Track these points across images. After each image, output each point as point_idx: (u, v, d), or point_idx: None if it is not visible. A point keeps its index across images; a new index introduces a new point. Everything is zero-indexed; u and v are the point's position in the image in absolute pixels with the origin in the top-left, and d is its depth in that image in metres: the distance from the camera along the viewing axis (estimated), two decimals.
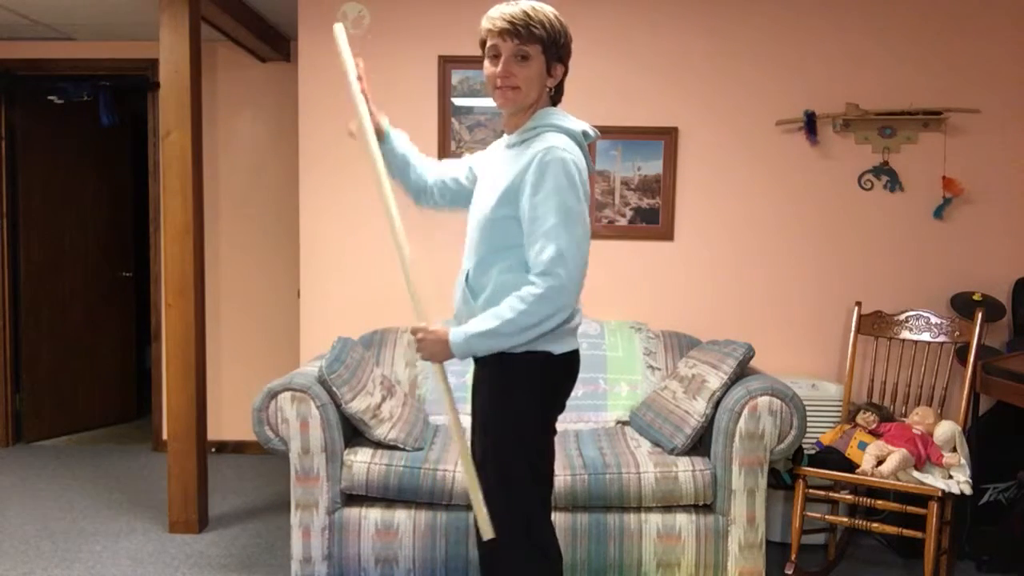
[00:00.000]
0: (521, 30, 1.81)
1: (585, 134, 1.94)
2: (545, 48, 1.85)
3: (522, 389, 1.89)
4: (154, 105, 4.58)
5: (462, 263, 2.00)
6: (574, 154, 1.84)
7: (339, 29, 1.99)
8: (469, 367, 2.13)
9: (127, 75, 4.61)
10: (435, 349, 1.86)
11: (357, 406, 2.70)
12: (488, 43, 1.88)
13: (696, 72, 3.53)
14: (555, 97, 1.97)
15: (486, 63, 1.89)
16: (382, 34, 3.57)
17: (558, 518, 2.64)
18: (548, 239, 1.77)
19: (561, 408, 1.99)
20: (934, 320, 3.18)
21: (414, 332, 1.88)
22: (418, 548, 2.66)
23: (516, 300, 1.79)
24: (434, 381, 1.85)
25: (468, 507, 2.56)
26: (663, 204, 3.55)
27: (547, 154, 1.79)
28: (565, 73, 1.95)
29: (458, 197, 2.17)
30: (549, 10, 1.87)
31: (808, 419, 2.76)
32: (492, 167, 1.98)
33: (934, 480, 2.72)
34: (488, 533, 1.84)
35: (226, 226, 4.58)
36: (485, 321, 1.81)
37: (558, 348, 1.88)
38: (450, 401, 1.91)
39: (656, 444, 2.86)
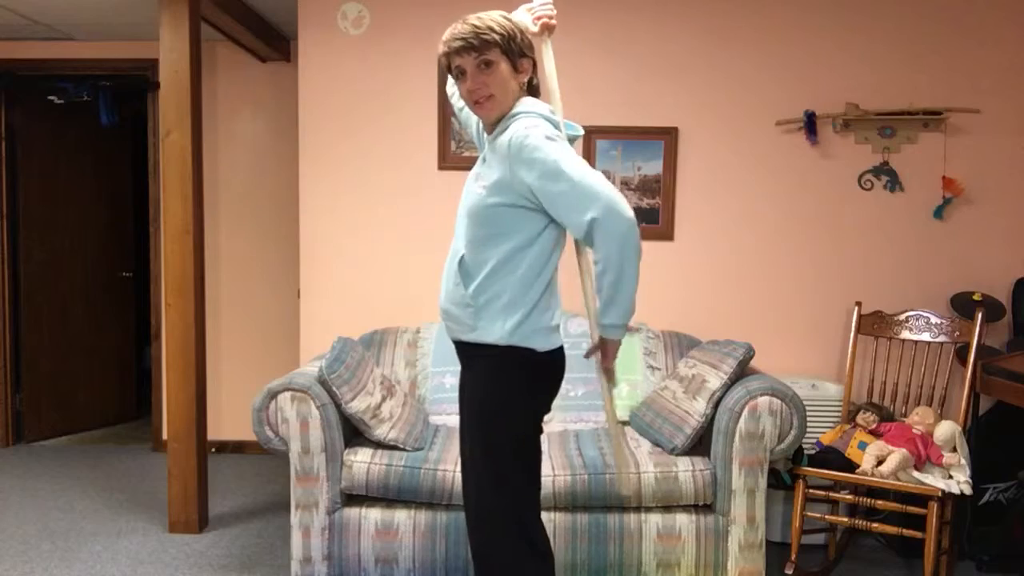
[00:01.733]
0: (474, 42, 1.87)
1: (558, 125, 1.95)
2: (504, 49, 1.90)
3: (508, 387, 1.93)
4: (154, 105, 4.58)
5: (452, 248, 2.03)
6: (542, 126, 1.86)
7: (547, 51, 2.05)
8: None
9: (127, 75, 4.61)
10: (616, 350, 1.95)
11: (357, 406, 2.70)
12: (452, 66, 1.93)
13: (696, 72, 3.53)
14: (532, 92, 2.00)
15: (458, 84, 1.95)
16: (382, 34, 3.57)
17: (558, 518, 2.64)
18: (576, 199, 1.81)
19: (547, 407, 2.00)
20: (934, 320, 3.18)
21: (608, 370, 1.97)
22: (418, 548, 2.66)
23: (604, 269, 1.86)
24: (602, 387, 1.97)
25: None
26: (663, 204, 3.55)
27: (519, 138, 1.83)
28: (534, 67, 1.99)
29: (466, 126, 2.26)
30: (495, 14, 1.93)
31: (808, 419, 2.76)
32: (481, 160, 2.02)
33: (934, 480, 2.72)
34: (626, 489, 1.98)
35: (226, 226, 4.58)
36: (608, 301, 1.88)
37: (540, 345, 1.91)
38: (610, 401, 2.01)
39: (656, 444, 2.86)
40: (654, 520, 2.67)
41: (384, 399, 2.84)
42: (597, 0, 3.52)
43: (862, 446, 2.85)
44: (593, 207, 1.79)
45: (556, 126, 1.93)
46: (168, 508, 3.37)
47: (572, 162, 1.81)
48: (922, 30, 3.47)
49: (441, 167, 3.57)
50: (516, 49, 1.92)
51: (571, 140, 1.97)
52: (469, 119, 2.22)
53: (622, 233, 1.82)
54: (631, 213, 1.83)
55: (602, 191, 1.79)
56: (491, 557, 1.96)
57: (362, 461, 2.68)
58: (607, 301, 1.86)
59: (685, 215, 3.57)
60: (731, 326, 3.56)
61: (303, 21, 3.57)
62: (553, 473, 2.62)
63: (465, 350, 2.01)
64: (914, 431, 2.85)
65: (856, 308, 3.30)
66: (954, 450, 2.83)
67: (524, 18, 2.03)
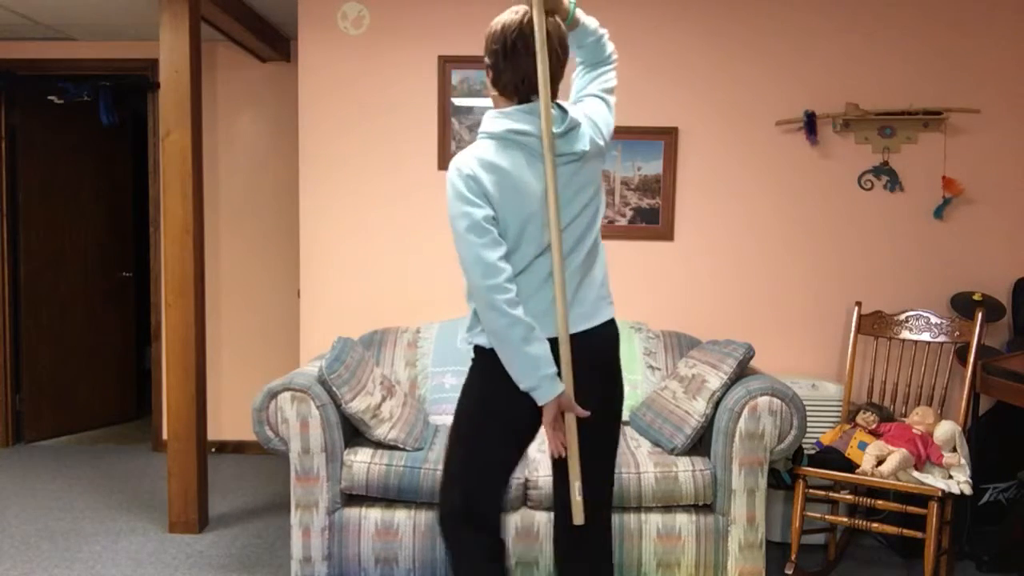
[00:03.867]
0: None
1: (521, 132, 1.89)
2: (485, 55, 1.97)
3: (468, 377, 2.06)
4: (154, 105, 4.58)
5: None
6: (463, 161, 1.89)
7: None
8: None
9: (127, 75, 4.61)
10: (548, 412, 1.94)
11: (357, 406, 2.70)
12: None
13: (696, 72, 3.53)
14: (525, 95, 1.93)
15: None
16: (382, 34, 3.57)
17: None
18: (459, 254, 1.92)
19: (504, 405, 1.97)
20: (934, 320, 3.18)
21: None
22: (418, 548, 2.66)
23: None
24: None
25: None
26: (663, 204, 3.55)
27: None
28: (506, 71, 1.91)
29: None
30: (498, 18, 1.95)
31: (808, 419, 2.77)
32: None
33: (934, 480, 2.72)
34: (579, 519, 1.92)
35: (226, 226, 4.58)
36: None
37: (485, 342, 1.97)
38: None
39: (656, 444, 2.86)
40: (654, 520, 2.67)
41: (384, 399, 2.84)
42: (597, 1, 3.52)
43: (862, 446, 2.85)
44: (464, 269, 1.90)
45: (512, 142, 1.89)
46: (168, 508, 3.37)
47: (460, 213, 1.86)
48: (922, 30, 3.47)
49: (441, 167, 3.57)
50: (485, 56, 1.97)
51: (566, 154, 1.92)
52: None
53: (481, 306, 1.89)
54: (489, 283, 1.85)
55: (470, 261, 1.87)
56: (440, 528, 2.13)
57: (362, 461, 2.68)
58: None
59: (685, 215, 3.57)
60: (731, 326, 3.56)
61: (303, 21, 3.57)
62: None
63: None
64: (914, 431, 2.85)
65: (856, 308, 3.30)
66: (954, 450, 2.83)
67: None
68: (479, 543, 2.06)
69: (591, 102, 2.04)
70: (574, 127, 1.93)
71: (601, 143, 1.99)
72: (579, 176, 1.95)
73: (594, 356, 1.99)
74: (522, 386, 1.88)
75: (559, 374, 1.89)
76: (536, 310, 1.92)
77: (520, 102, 1.93)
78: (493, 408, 2.01)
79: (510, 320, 1.84)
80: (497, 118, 1.91)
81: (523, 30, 1.88)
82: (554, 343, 1.91)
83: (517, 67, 1.90)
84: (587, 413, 1.90)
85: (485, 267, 1.84)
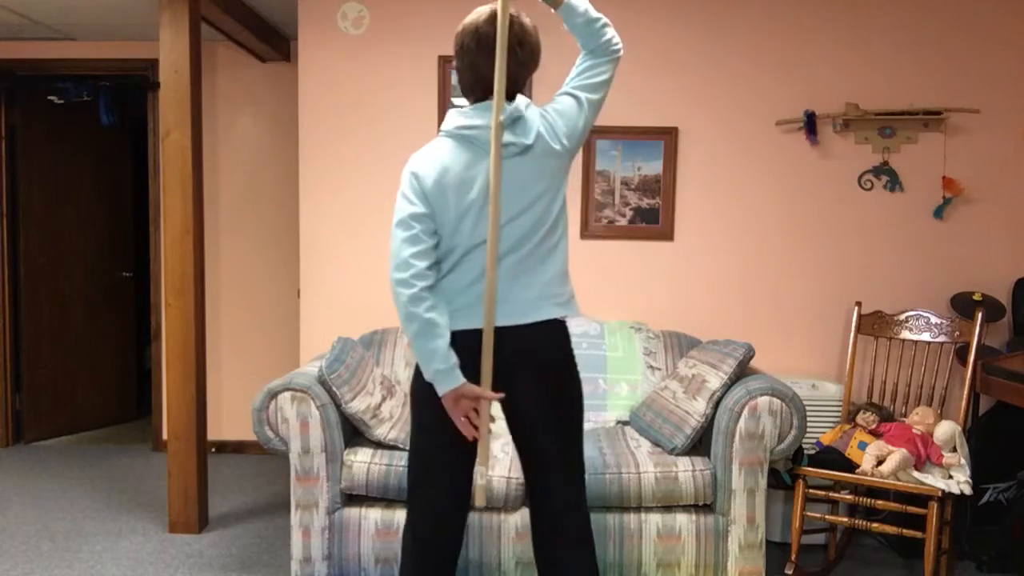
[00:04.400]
0: None
1: (469, 127, 1.94)
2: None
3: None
4: (154, 105, 4.58)
5: None
6: (413, 158, 1.99)
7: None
8: None
9: (127, 75, 4.61)
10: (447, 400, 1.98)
11: (357, 406, 2.70)
12: None
13: (696, 72, 3.53)
14: (480, 96, 1.99)
15: None
16: (382, 34, 3.57)
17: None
18: None
19: (433, 418, 2.00)
20: (934, 320, 3.18)
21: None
22: None
23: None
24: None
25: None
26: (663, 204, 3.55)
27: None
28: (463, 70, 2.01)
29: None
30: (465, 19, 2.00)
31: (808, 419, 2.77)
32: None
33: (934, 480, 2.72)
34: (480, 501, 1.99)
35: (226, 226, 4.58)
36: None
37: None
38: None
39: (656, 444, 2.86)
40: (654, 520, 2.67)
41: (384, 399, 2.84)
42: (596, 1, 3.51)
43: (862, 446, 2.85)
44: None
45: (463, 138, 1.95)
46: (168, 508, 3.37)
47: (397, 208, 1.96)
48: (922, 30, 3.47)
49: None
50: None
51: (510, 145, 1.92)
52: None
53: (392, 296, 1.95)
54: (397, 277, 1.92)
55: (391, 253, 1.95)
56: None
57: (362, 461, 2.68)
58: None
59: (685, 215, 3.57)
60: (731, 326, 3.56)
61: (303, 21, 3.57)
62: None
63: None
64: (914, 431, 2.85)
65: (856, 308, 3.30)
66: (954, 450, 2.83)
67: None
68: (415, 530, 2.09)
69: (561, 100, 2.01)
70: (517, 117, 1.92)
71: (556, 146, 1.95)
72: (525, 170, 1.93)
73: (524, 353, 1.98)
74: (424, 376, 1.95)
75: (464, 366, 1.93)
76: (461, 303, 1.96)
77: (476, 103, 1.99)
78: (421, 396, 2.05)
79: (407, 314, 1.90)
80: (452, 115, 1.98)
81: (478, 31, 1.91)
82: (479, 335, 1.93)
83: (471, 67, 1.96)
84: (499, 396, 1.95)
85: (398, 261, 1.92)
